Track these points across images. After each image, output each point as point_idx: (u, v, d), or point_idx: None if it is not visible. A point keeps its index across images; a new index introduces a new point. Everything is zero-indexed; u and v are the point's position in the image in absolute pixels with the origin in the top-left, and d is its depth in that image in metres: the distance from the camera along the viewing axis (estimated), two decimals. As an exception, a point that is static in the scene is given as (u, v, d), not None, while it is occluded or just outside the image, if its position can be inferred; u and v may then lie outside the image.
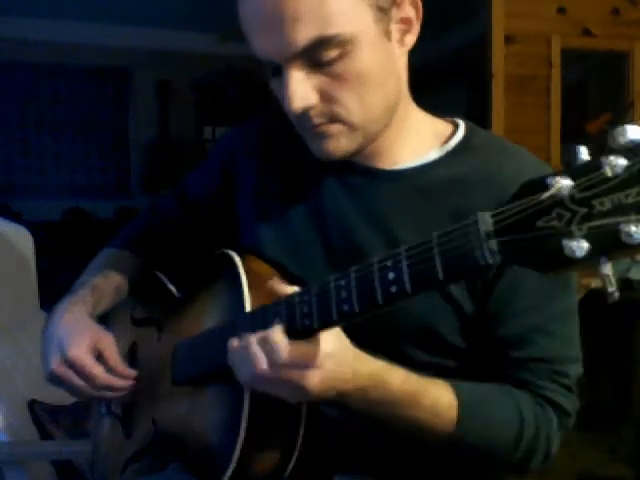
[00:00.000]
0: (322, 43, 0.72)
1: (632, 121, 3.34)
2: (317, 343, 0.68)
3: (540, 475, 0.88)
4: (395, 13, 0.78)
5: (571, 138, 3.29)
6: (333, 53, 0.73)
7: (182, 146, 5.94)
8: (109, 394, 0.94)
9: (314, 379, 0.68)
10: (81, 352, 0.90)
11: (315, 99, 0.76)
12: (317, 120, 0.78)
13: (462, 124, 0.89)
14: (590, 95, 3.54)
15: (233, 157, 0.98)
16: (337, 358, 0.69)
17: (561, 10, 3.28)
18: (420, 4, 0.80)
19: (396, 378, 0.73)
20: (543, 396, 0.81)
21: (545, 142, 3.25)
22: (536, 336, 0.80)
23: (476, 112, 3.49)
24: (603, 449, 2.60)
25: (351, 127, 0.79)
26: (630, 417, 2.77)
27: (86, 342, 0.91)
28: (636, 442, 2.67)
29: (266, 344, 0.68)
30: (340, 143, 0.80)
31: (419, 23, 0.80)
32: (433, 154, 0.86)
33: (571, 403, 0.83)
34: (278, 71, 0.77)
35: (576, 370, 0.83)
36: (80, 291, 0.99)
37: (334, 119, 0.78)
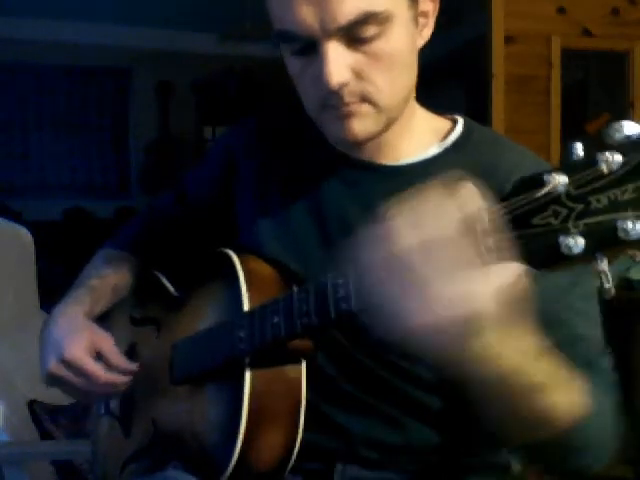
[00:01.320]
0: (366, 18, 0.72)
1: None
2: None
3: (539, 475, 0.88)
4: (420, 4, 0.79)
5: (571, 138, 3.28)
6: (372, 30, 0.73)
7: (182, 146, 5.94)
8: (106, 390, 0.93)
9: (490, 285, 0.53)
10: (79, 352, 0.90)
11: (350, 76, 0.75)
12: (348, 98, 0.77)
13: (461, 120, 0.90)
14: (590, 95, 3.53)
15: (232, 156, 0.98)
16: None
17: (561, 10, 3.28)
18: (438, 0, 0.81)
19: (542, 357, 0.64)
20: (599, 370, 0.78)
21: (545, 142, 3.24)
22: (571, 316, 0.78)
23: (476, 112, 3.49)
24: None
25: (378, 108, 0.78)
26: (630, 417, 2.77)
27: (83, 342, 0.91)
28: (636, 442, 2.67)
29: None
30: (366, 124, 0.79)
31: (434, 18, 0.82)
32: (433, 150, 0.87)
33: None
34: (306, 49, 0.76)
35: (608, 359, 0.81)
36: (76, 292, 0.99)
37: (364, 99, 0.77)
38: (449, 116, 0.92)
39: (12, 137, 5.65)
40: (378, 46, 0.75)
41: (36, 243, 1.88)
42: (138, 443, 0.99)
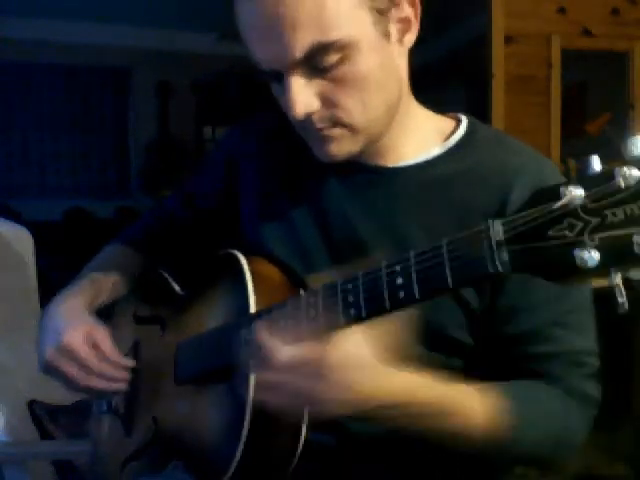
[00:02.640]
0: (322, 49, 0.72)
1: (632, 122, 3.34)
2: (324, 350, 0.65)
3: (539, 475, 0.88)
4: (394, 13, 0.77)
5: (571, 138, 3.29)
6: (333, 58, 0.73)
7: (182, 146, 5.93)
8: (103, 384, 0.93)
9: (325, 392, 0.65)
10: (76, 339, 0.90)
11: (317, 105, 0.76)
12: (319, 124, 0.78)
13: (464, 120, 0.90)
14: (590, 95, 3.53)
15: (235, 156, 0.98)
16: (350, 369, 0.65)
17: (561, 10, 3.28)
18: (418, 3, 0.80)
19: (432, 388, 0.70)
20: (568, 387, 0.79)
21: (545, 142, 3.24)
22: (554, 329, 0.79)
23: (476, 112, 3.49)
24: (603, 449, 2.60)
25: (353, 130, 0.79)
26: (630, 417, 2.77)
27: (81, 331, 0.91)
28: (636, 442, 2.67)
29: (262, 346, 0.66)
30: (343, 146, 0.80)
31: (418, 22, 0.80)
32: (435, 150, 0.86)
33: (596, 389, 0.82)
34: (279, 77, 0.77)
35: (594, 361, 0.82)
36: (78, 283, 0.99)
37: (336, 123, 0.78)
38: (453, 115, 0.92)
39: (12, 137, 5.65)
40: (341, 72, 0.74)
41: (36, 243, 1.88)
42: (139, 442, 0.99)
